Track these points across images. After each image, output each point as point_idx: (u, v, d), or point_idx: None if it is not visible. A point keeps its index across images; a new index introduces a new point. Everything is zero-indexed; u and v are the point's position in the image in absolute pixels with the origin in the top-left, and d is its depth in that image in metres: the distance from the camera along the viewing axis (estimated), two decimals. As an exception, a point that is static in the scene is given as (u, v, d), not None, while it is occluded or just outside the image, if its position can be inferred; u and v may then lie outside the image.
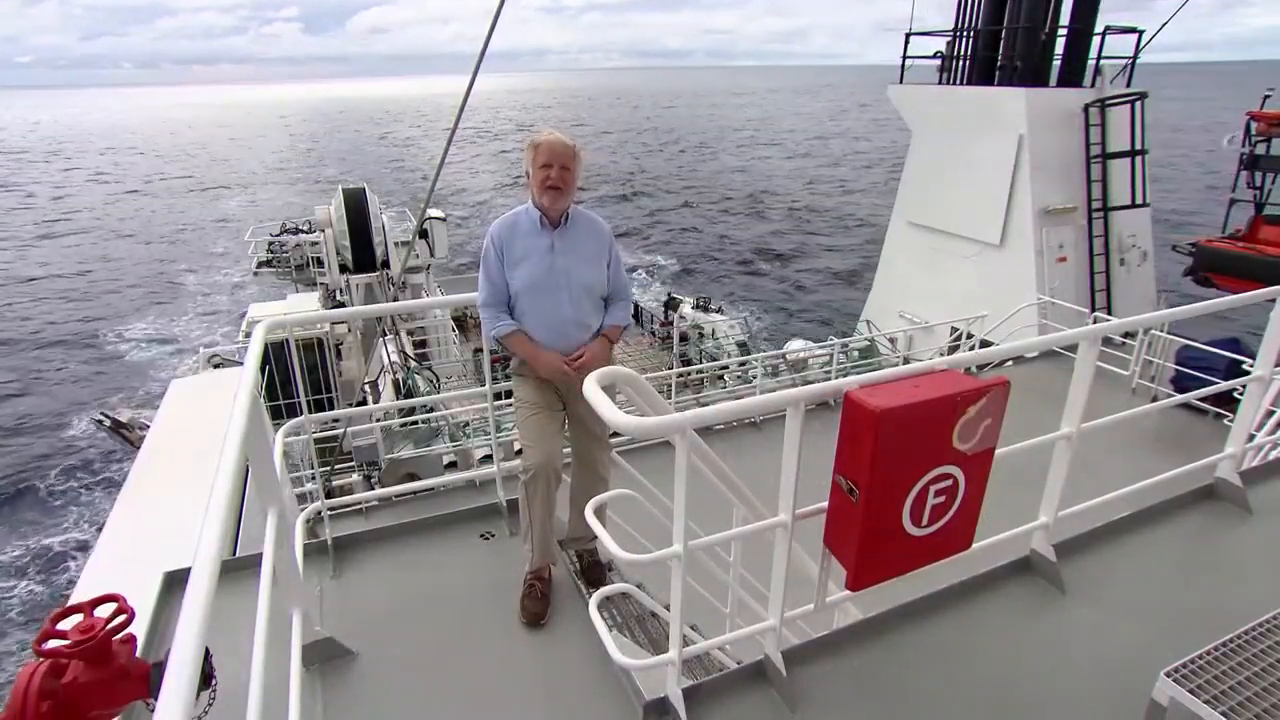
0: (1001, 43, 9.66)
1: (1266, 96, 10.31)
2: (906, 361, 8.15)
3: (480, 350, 11.46)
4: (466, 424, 8.27)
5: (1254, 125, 10.31)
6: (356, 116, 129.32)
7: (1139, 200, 9.28)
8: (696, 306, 15.89)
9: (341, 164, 58.28)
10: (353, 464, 6.73)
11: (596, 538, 2.05)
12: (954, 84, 10.15)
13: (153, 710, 1.14)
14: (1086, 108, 9.00)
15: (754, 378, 8.55)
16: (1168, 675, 1.99)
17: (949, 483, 1.99)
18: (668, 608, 2.07)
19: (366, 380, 11.41)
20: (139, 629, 1.98)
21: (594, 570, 2.98)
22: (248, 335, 11.38)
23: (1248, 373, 3.08)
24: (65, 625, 1.33)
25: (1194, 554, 2.95)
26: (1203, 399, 4.12)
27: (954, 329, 9.03)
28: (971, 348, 8.48)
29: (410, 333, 13.40)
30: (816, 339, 13.88)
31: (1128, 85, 9.27)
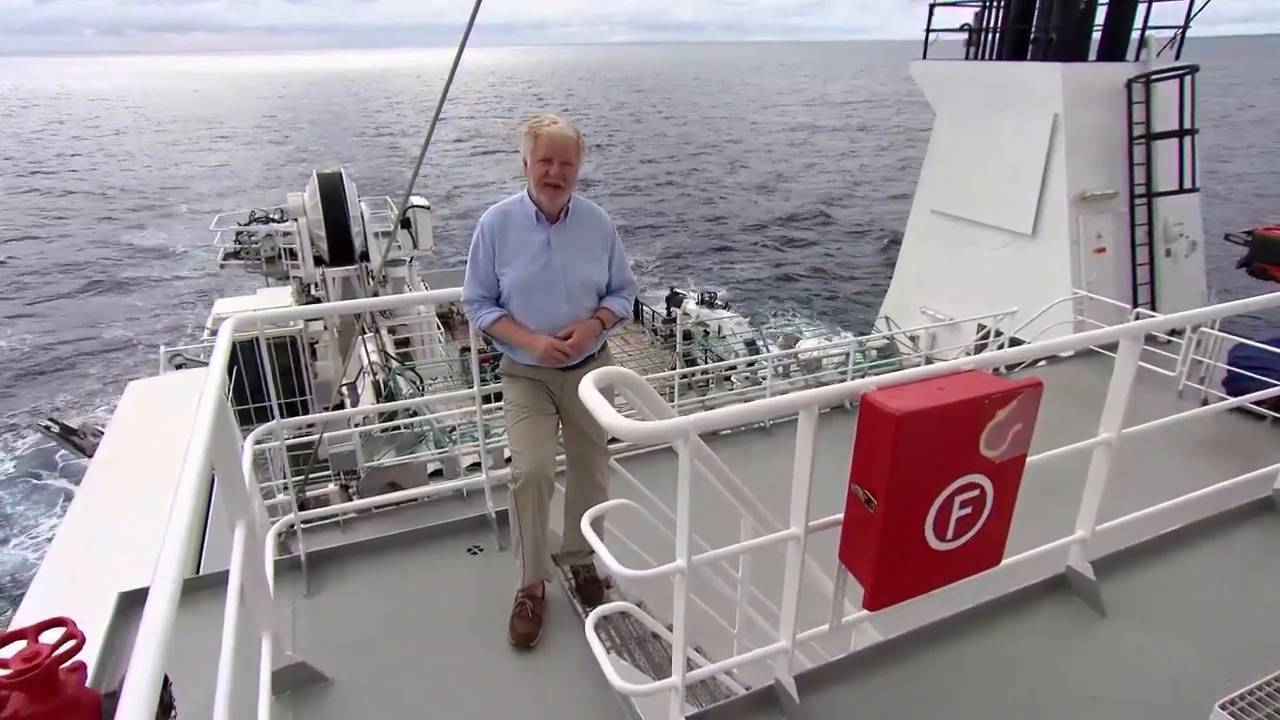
0: (1035, 13, 9.63)
1: None
2: (929, 361, 8.14)
3: (468, 349, 11.46)
4: (453, 429, 8.28)
5: None
6: (338, 91, 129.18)
7: (1187, 185, 9.25)
8: (701, 302, 15.90)
9: (320, 144, 58.21)
10: (329, 473, 6.73)
11: (593, 552, 2.05)
12: (982, 59, 10.13)
13: (106, 743, 1.14)
14: (1130, 84, 8.96)
15: (763, 379, 8.55)
16: (1223, 708, 1.98)
17: (976, 493, 1.98)
18: (670, 628, 2.07)
19: (344, 382, 11.43)
20: (89, 656, 1.97)
21: (591, 587, 2.98)
22: (213, 333, 11.40)
23: None
24: (7, 653, 1.32)
25: (1250, 572, 2.93)
26: (1259, 402, 4.11)
27: (981, 326, 9.01)
28: (1000, 346, 8.46)
29: (392, 330, 13.42)
30: (832, 336, 13.88)
31: (1176, 58, 9.24)
